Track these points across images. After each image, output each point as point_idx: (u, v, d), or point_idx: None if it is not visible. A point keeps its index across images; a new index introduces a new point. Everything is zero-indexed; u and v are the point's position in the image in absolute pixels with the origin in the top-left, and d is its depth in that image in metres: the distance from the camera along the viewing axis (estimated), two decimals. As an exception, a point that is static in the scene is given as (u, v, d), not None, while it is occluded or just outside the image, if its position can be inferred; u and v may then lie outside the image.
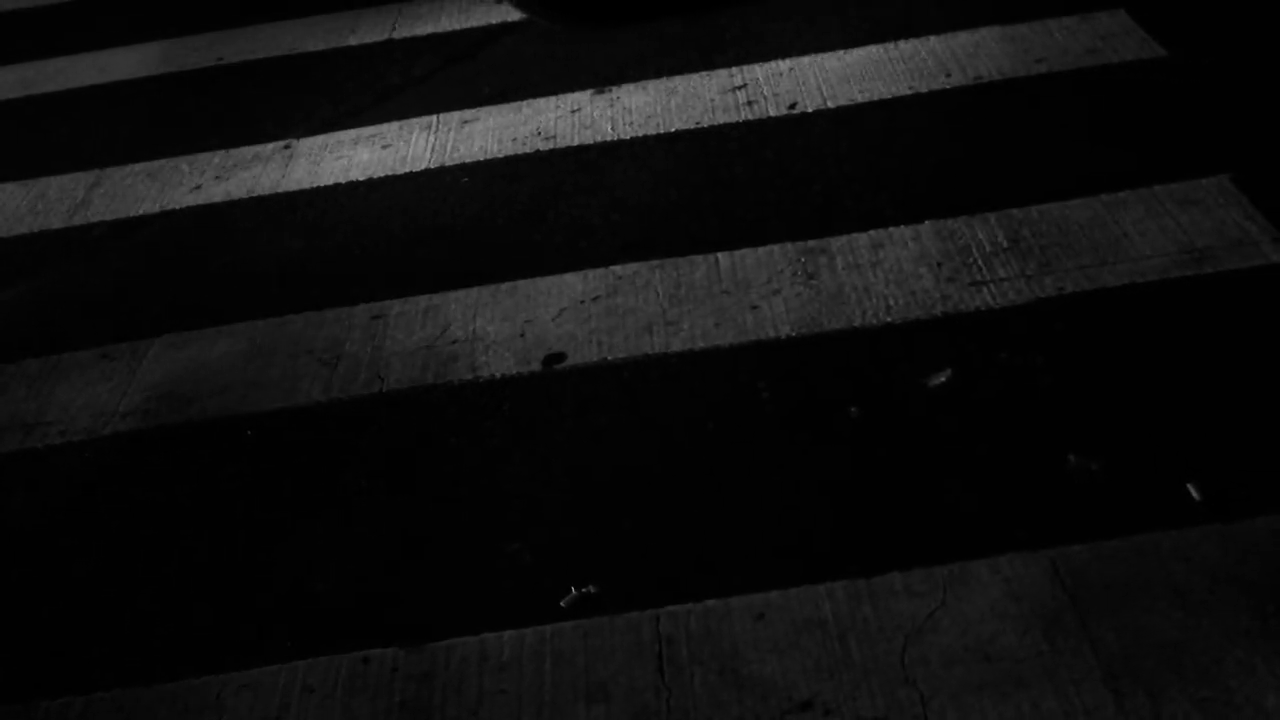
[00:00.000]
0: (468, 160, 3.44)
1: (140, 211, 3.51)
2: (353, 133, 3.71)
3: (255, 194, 3.48)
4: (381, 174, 3.46)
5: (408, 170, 3.45)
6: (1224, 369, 2.30)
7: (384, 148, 3.59)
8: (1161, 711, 1.73)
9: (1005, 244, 2.71)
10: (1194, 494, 2.05)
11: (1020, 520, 2.07)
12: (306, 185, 3.48)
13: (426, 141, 3.57)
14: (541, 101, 3.66)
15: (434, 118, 3.70)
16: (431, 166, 3.45)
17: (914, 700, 1.81)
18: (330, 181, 3.47)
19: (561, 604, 2.08)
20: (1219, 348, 2.35)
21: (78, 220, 3.53)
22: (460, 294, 2.89)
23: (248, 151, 3.72)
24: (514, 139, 3.50)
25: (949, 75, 3.41)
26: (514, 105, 3.67)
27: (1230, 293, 2.47)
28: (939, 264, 2.69)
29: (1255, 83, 3.13)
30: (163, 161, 3.76)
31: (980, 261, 2.67)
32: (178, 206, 3.50)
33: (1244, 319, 2.40)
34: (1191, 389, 2.27)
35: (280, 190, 3.48)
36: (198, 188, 3.57)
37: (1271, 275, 2.50)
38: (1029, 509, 2.09)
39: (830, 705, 1.83)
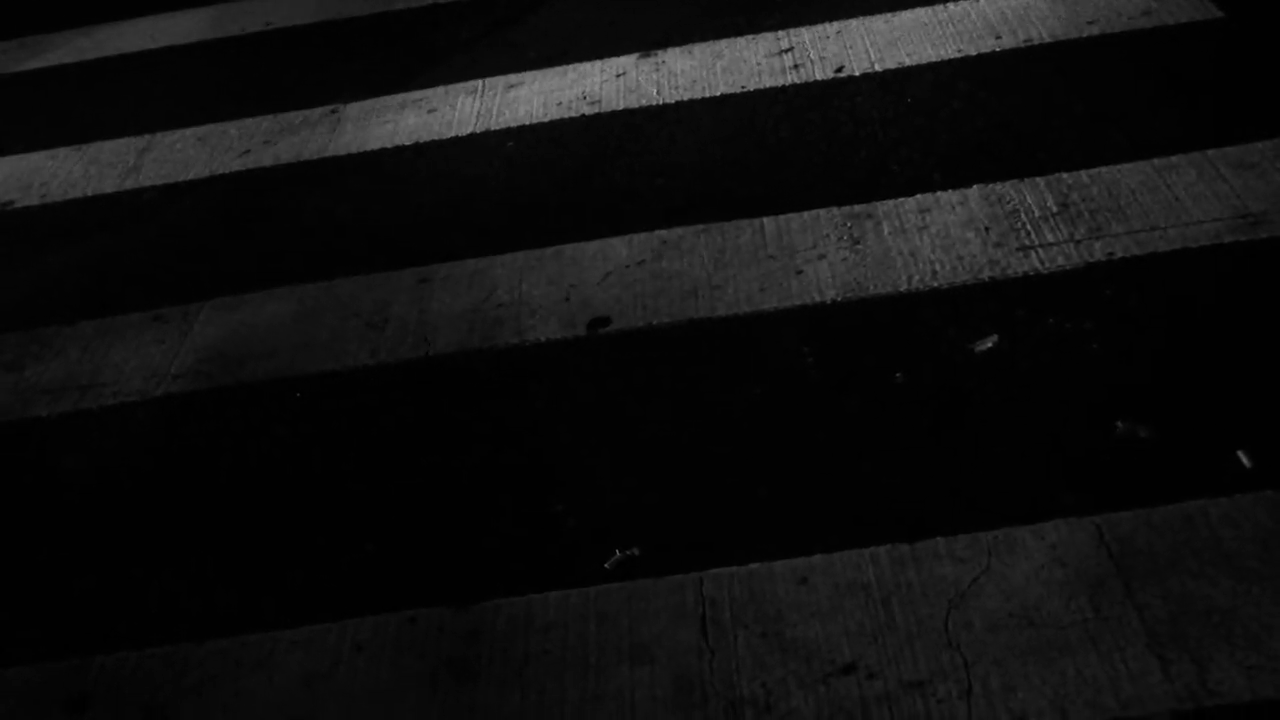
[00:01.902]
0: (513, 125, 3.44)
1: (190, 176, 3.54)
2: (399, 97, 3.72)
3: (303, 159, 3.51)
4: (427, 138, 3.47)
5: (453, 135, 3.46)
6: (1276, 335, 2.26)
7: (430, 112, 3.60)
8: (1208, 678, 1.72)
9: (1054, 208, 2.68)
10: (1244, 461, 2.03)
11: (1066, 487, 2.06)
12: (354, 150, 3.50)
13: (472, 106, 3.58)
14: (587, 66, 3.66)
15: (479, 82, 3.70)
16: (477, 131, 3.46)
17: (957, 665, 1.81)
18: (377, 146, 3.49)
19: (606, 566, 2.09)
20: (1272, 314, 2.31)
21: (129, 184, 3.57)
22: (506, 258, 2.90)
23: (295, 116, 3.74)
24: (559, 103, 3.50)
25: (998, 38, 3.36)
26: (559, 70, 3.66)
27: (1285, 258, 2.44)
28: (987, 228, 2.67)
29: (1314, 44, 3.07)
30: (212, 126, 3.79)
31: (1029, 226, 2.65)
32: (227, 171, 3.53)
33: (1298, 285, 2.37)
34: (1243, 355, 2.24)
35: (327, 155, 3.50)
36: (246, 152, 3.60)
37: (1327, 240, 2.46)
38: (1075, 475, 2.07)
39: (873, 669, 1.83)
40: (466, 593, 2.10)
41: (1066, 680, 1.76)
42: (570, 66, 3.67)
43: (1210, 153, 2.75)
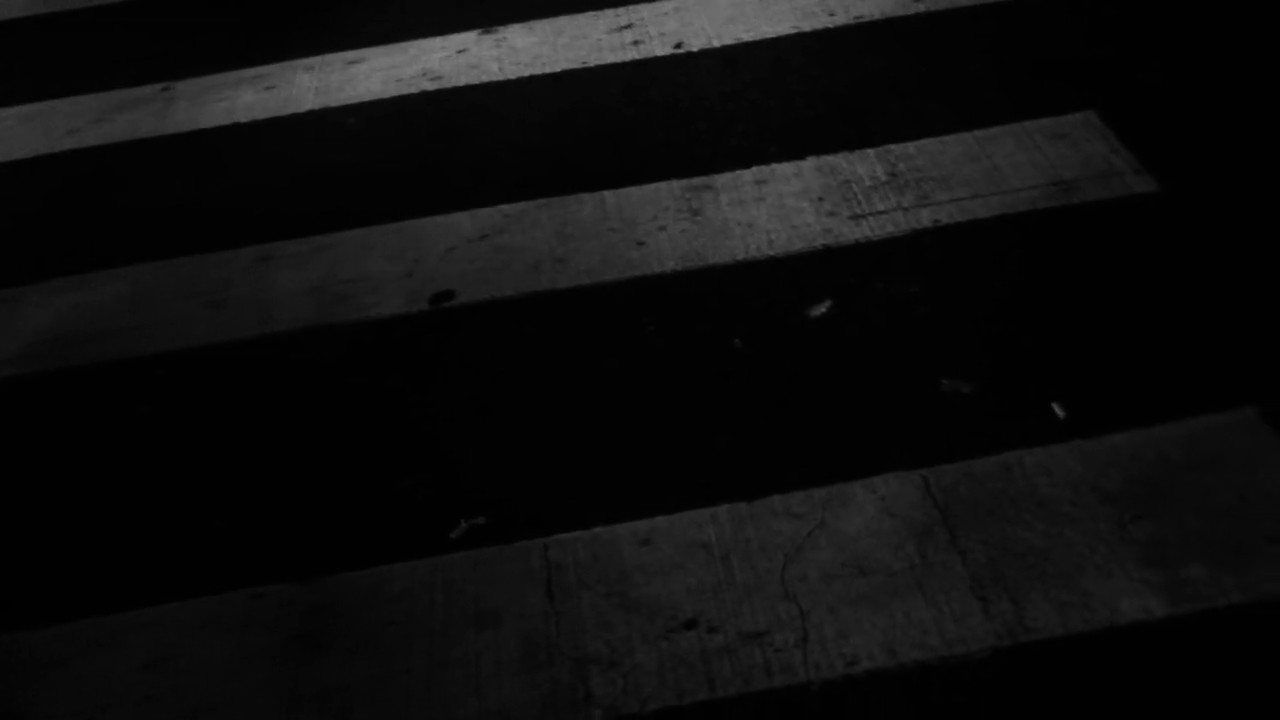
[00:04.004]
0: (353, 101, 3.41)
1: (15, 156, 3.42)
2: (234, 74, 3.64)
3: (135, 137, 3.42)
4: (265, 116, 3.41)
5: (292, 112, 3.41)
6: (1088, 294, 2.40)
7: (267, 89, 3.54)
8: (1024, 616, 1.83)
9: (884, 178, 2.78)
10: (1058, 412, 2.15)
11: (895, 442, 2.15)
12: (188, 128, 3.42)
13: (310, 83, 3.53)
14: (427, 42, 3.64)
15: (317, 59, 3.65)
16: (316, 108, 3.41)
17: (794, 615, 1.88)
18: (212, 124, 3.42)
19: (452, 535, 2.11)
20: (1084, 274, 2.45)
21: (-51, 166, 3.43)
22: (348, 234, 2.88)
23: (126, 94, 3.64)
24: (399, 79, 3.48)
25: (832, 15, 3.46)
26: (399, 46, 3.64)
27: (1095, 222, 2.57)
28: (820, 199, 2.75)
29: (1123, 18, 3.24)
30: (37, 105, 3.66)
31: (860, 196, 2.74)
32: (54, 151, 3.42)
33: (1108, 246, 2.51)
34: (1057, 314, 2.36)
35: (161, 134, 3.42)
36: (75, 131, 3.49)
37: (1134, 205, 2.60)
38: (904, 431, 2.17)
39: (714, 623, 1.89)
40: (313, 567, 2.09)
41: (896, 624, 1.85)
42: (411, 43, 3.65)
43: (1027, 124, 2.89)
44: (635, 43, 3.48)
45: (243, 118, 3.42)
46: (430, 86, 3.43)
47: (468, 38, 3.64)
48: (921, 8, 3.42)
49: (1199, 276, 2.40)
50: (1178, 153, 2.73)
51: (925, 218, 2.65)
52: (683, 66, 3.35)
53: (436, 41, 3.64)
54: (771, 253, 2.62)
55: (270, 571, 2.10)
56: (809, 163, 2.88)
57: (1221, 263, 2.43)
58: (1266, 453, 2.02)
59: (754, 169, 2.89)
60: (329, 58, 3.65)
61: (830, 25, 3.42)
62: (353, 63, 3.60)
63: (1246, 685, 1.70)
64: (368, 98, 3.42)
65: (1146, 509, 1.96)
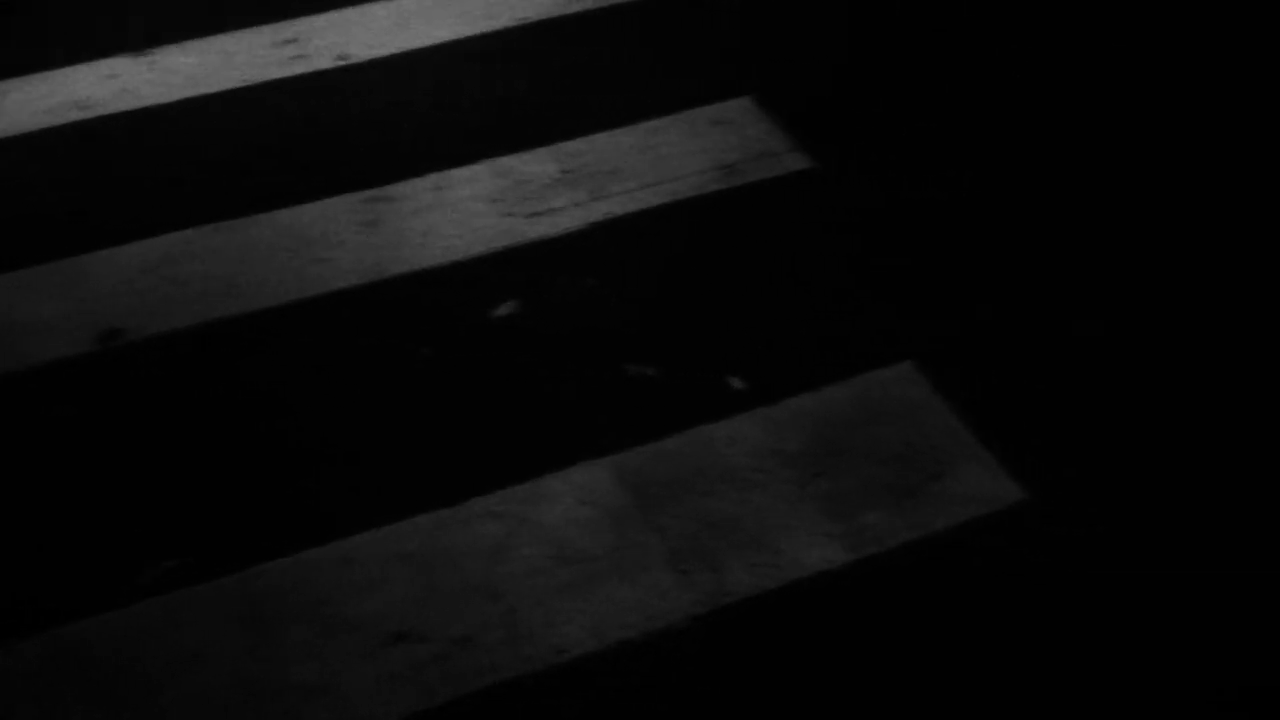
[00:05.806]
0: (-6, 137, 3.19)
1: None
2: None
3: None
4: (-106, 160, 3.15)
5: (-75, 154, 3.16)
6: (756, 270, 2.52)
7: (-106, 131, 3.26)
8: (722, 582, 1.91)
9: (558, 175, 2.83)
10: (736, 385, 2.25)
11: (586, 431, 2.19)
12: None
13: (-57, 121, 3.28)
14: (72, 70, 3.44)
15: (-50, 95, 3.39)
16: (-47, 147, 3.17)
17: (501, 613, 1.90)
18: None
19: (141, 582, 2.01)
20: (751, 251, 2.57)
21: None
22: (1, 279, 2.69)
23: None
24: (46, 110, 3.27)
25: (493, 19, 3.49)
26: (40, 75, 3.42)
27: (757, 201, 2.70)
28: (497, 200, 2.78)
29: (773, 8, 3.41)
30: None
31: (536, 194, 2.78)
32: None
33: (770, 223, 2.64)
34: (729, 291, 2.47)
35: None
36: None
37: (791, 182, 2.75)
38: (594, 420, 2.22)
39: (423, 632, 1.88)
40: (-13, 638, 1.95)
41: (601, 608, 1.89)
42: (53, 72, 3.44)
43: (690, 112, 3.00)
44: (298, 57, 3.41)
45: None
46: (80, 116, 3.24)
47: (118, 63, 3.46)
48: (579, 7, 3.49)
49: (854, 244, 2.56)
50: (829, 131, 2.90)
51: (599, 211, 2.71)
52: (349, 78, 3.30)
53: (83, 69, 3.44)
54: (453, 258, 2.62)
55: (-60, 649, 1.95)
56: (483, 166, 2.89)
57: (872, 230, 2.60)
58: (923, 401, 2.18)
59: (429, 176, 2.88)
60: (-37, 93, 3.39)
61: (492, 29, 3.44)
62: (-9, 96, 3.37)
63: (922, 615, 1.83)
64: (11, 132, 3.20)
65: (825, 466, 2.08)
